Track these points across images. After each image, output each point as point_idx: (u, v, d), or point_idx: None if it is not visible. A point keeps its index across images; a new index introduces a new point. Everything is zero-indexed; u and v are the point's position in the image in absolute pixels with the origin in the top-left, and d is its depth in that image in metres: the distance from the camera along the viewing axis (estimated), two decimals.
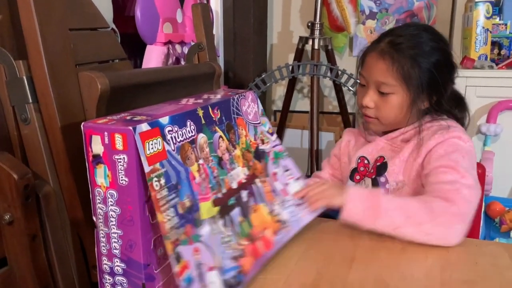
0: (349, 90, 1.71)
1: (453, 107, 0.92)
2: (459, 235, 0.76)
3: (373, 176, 0.93)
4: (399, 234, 0.76)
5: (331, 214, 1.03)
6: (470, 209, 0.77)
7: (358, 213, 0.77)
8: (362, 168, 0.96)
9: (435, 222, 0.75)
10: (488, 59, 1.63)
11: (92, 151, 0.54)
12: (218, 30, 1.95)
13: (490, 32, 1.62)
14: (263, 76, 1.72)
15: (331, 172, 1.06)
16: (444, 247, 0.79)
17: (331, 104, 2.13)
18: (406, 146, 0.90)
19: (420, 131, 0.88)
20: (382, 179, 0.92)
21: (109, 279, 0.58)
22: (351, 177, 0.97)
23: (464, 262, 0.75)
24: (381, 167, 0.92)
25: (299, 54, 1.81)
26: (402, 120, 0.90)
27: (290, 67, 1.73)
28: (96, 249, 0.57)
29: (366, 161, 0.95)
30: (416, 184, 0.88)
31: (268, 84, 1.74)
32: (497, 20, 1.69)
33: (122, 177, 0.53)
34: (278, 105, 2.19)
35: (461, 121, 0.94)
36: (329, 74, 1.71)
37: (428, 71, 0.86)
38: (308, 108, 1.84)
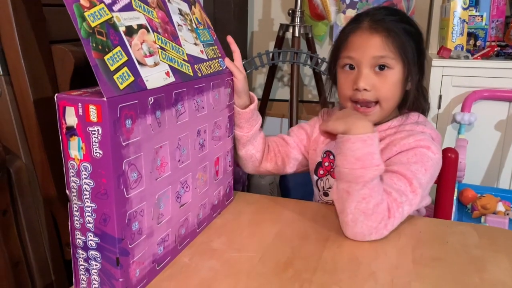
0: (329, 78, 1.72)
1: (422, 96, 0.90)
2: (363, 238, 0.75)
3: None
4: (342, 190, 0.75)
5: (307, 197, 1.04)
6: (398, 223, 0.77)
7: (352, 148, 0.74)
8: (326, 164, 0.93)
9: (366, 216, 0.73)
10: (464, 49, 1.66)
11: (65, 123, 0.53)
12: None
13: (467, 23, 1.65)
14: (243, 63, 1.72)
15: (297, 141, 1.00)
16: (416, 228, 0.81)
17: (311, 93, 2.15)
18: None
19: (388, 134, 0.86)
20: None
21: (82, 254, 0.57)
22: (316, 171, 0.95)
23: (435, 241, 0.77)
24: None
25: (280, 41, 1.81)
26: (396, 103, 0.86)
27: (271, 55, 1.73)
28: (69, 223, 0.56)
29: (331, 157, 0.92)
30: None
31: (248, 71, 1.73)
32: (473, 11, 1.72)
33: (96, 150, 0.52)
34: (258, 93, 2.19)
35: (427, 112, 0.93)
36: (309, 62, 1.71)
37: (416, 46, 0.84)
38: (288, 97, 1.84)
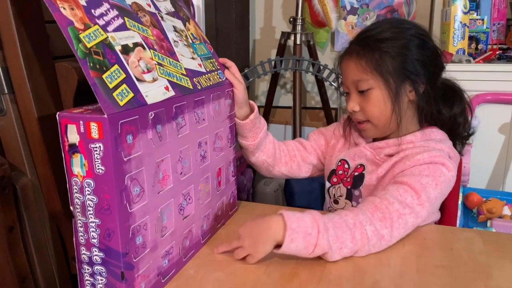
0: (331, 85, 1.73)
1: (444, 106, 0.88)
2: (369, 252, 0.73)
3: (349, 187, 0.91)
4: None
5: (312, 204, 1.04)
6: (404, 234, 0.76)
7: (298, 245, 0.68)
8: (340, 172, 0.94)
9: (360, 253, 0.72)
10: (466, 53, 1.66)
11: (68, 140, 0.54)
12: (200, 25, 1.94)
13: (468, 27, 1.65)
14: (245, 71, 1.72)
15: (314, 147, 1.01)
16: (420, 235, 0.81)
17: (314, 100, 2.15)
18: (387, 161, 0.86)
19: (401, 148, 0.85)
20: (356, 192, 0.90)
21: (87, 269, 0.58)
22: (329, 179, 0.95)
23: (440, 248, 0.77)
24: (358, 178, 0.89)
25: (282, 49, 1.82)
26: (391, 117, 0.84)
27: (273, 62, 1.73)
28: (74, 239, 0.57)
29: (346, 166, 0.93)
30: None
31: (250, 79, 1.74)
32: (474, 15, 1.72)
33: (98, 166, 0.53)
34: (262, 100, 2.19)
35: (454, 119, 0.89)
36: (311, 69, 1.72)
37: (401, 56, 0.82)
38: (291, 104, 1.85)
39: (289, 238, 0.67)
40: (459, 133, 0.92)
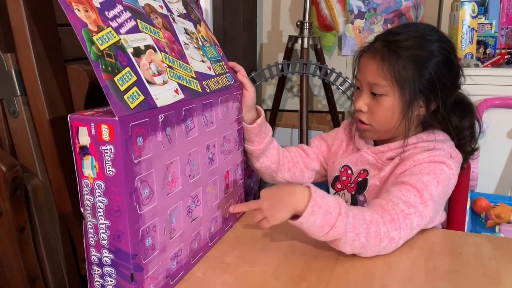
0: (338, 88, 1.73)
1: (454, 116, 0.87)
2: (378, 255, 0.74)
3: (353, 192, 0.91)
4: (333, 244, 0.72)
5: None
6: (410, 235, 0.76)
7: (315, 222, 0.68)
8: (344, 178, 0.93)
9: (365, 248, 0.72)
10: (474, 57, 1.65)
11: (79, 142, 0.54)
12: None
13: (476, 31, 1.64)
14: (253, 74, 1.73)
15: (317, 153, 1.01)
16: (429, 239, 0.80)
17: (321, 103, 2.15)
18: (389, 164, 0.86)
19: (404, 151, 0.84)
20: (361, 198, 0.90)
21: (97, 270, 0.58)
22: (333, 185, 0.95)
23: (448, 253, 0.76)
24: (362, 184, 0.89)
25: (289, 53, 1.82)
26: (396, 127, 0.84)
27: (280, 66, 1.74)
28: (84, 240, 0.58)
29: (349, 171, 0.93)
30: None
31: (257, 83, 1.74)
32: (482, 19, 1.72)
33: (109, 168, 0.53)
34: (268, 104, 2.20)
35: (461, 131, 0.88)
36: (318, 73, 1.72)
37: (424, 73, 0.80)
38: (297, 107, 1.85)
39: (311, 209, 0.66)
40: (463, 146, 0.90)
